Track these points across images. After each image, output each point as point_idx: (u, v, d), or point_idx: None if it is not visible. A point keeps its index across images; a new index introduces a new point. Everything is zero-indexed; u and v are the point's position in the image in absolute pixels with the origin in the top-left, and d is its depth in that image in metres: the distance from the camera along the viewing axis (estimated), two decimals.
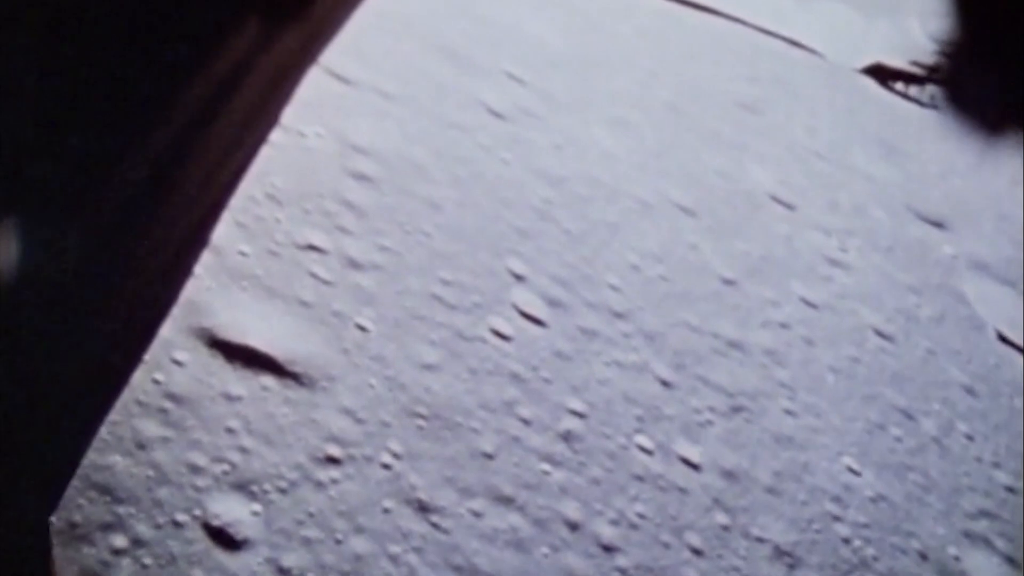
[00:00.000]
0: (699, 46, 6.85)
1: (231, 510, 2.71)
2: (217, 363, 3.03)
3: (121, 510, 2.42)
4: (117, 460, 2.51)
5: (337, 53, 4.46)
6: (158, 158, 1.84)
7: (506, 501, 3.23)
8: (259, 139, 2.08)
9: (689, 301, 4.55)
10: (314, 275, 3.53)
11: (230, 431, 2.87)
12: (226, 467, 2.79)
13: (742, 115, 6.29)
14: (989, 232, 7.12)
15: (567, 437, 3.56)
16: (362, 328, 3.47)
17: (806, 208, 5.83)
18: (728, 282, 4.83)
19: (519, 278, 4.07)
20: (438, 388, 3.42)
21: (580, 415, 3.68)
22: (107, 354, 2.02)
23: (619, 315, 4.21)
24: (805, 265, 5.36)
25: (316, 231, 3.69)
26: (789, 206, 5.75)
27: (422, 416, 3.30)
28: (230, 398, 2.97)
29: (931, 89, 9.31)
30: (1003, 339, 6.01)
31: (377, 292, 3.61)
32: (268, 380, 3.08)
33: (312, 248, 3.62)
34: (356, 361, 3.34)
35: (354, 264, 3.66)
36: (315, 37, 1.88)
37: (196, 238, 2.10)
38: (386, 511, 2.99)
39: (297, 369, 3.18)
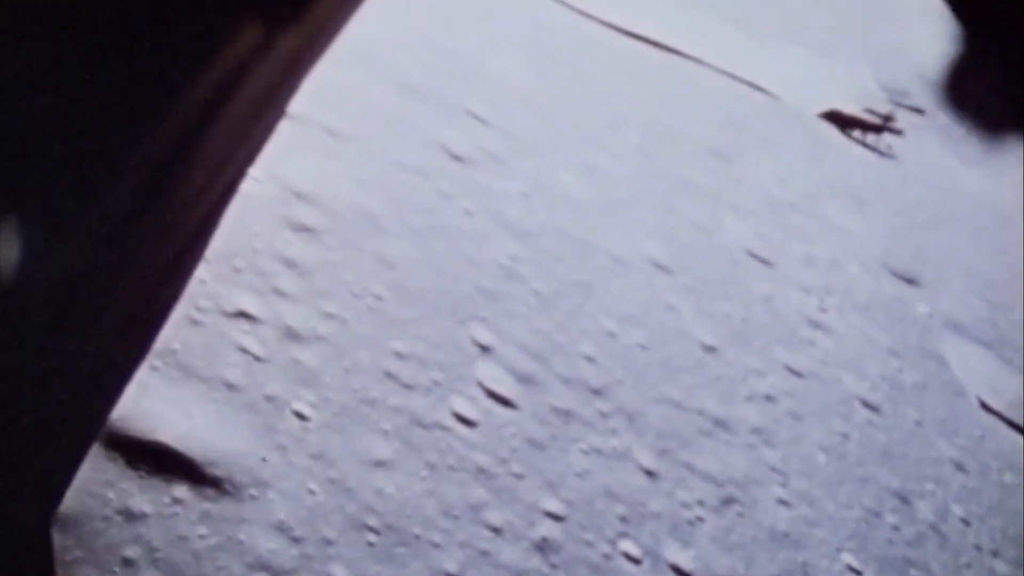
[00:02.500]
0: (665, 87, 6.24)
1: None
2: (115, 468, 2.31)
3: None
4: None
5: None
6: (158, 159, 1.78)
7: None
8: (261, 139, 2.05)
9: (670, 372, 3.89)
10: (243, 350, 2.81)
11: (128, 564, 2.15)
12: None
13: (713, 162, 5.68)
14: (959, 289, 6.57)
15: (543, 547, 2.87)
16: (301, 416, 2.76)
17: (783, 264, 5.22)
18: (709, 349, 4.18)
19: (484, 349, 3.38)
20: (391, 491, 2.72)
21: (557, 517, 3.00)
22: (107, 355, 1.95)
23: (596, 392, 3.54)
24: (787, 328, 4.73)
25: (247, 295, 2.98)
26: (766, 262, 5.13)
27: (372, 529, 2.60)
28: (131, 517, 2.24)
29: (887, 138, 8.82)
30: (985, 407, 5.44)
31: (319, 370, 2.90)
32: (181, 490, 2.37)
33: (242, 316, 2.90)
34: (293, 460, 2.63)
35: (292, 335, 2.95)
36: (316, 38, 2.04)
37: (197, 239, 2.05)
38: None
39: (218, 473, 2.47)
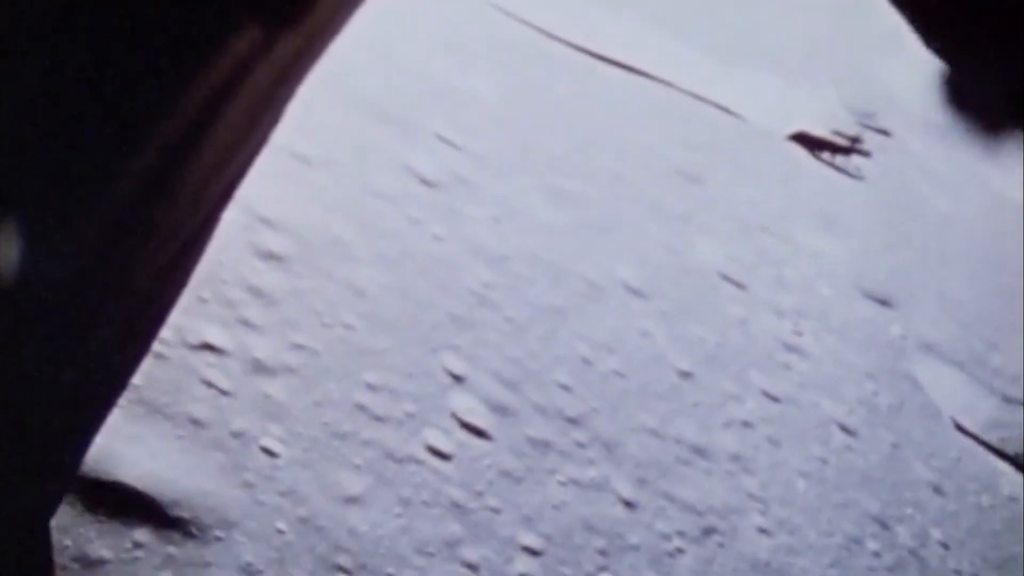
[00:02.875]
0: (635, 109, 6.17)
1: None
2: (72, 513, 2.18)
3: None
4: None
5: None
6: (158, 160, 1.74)
7: None
8: (260, 140, 1.96)
9: (647, 399, 3.80)
10: (209, 383, 2.69)
11: None
12: None
13: (684, 184, 5.61)
14: (932, 310, 6.53)
15: None
16: (269, 452, 2.64)
17: (757, 287, 5.15)
18: (685, 375, 4.09)
19: (458, 379, 3.27)
20: (364, 528, 2.61)
21: (535, 552, 2.89)
22: (107, 355, 1.93)
23: (572, 421, 3.44)
24: (762, 352, 4.65)
25: (213, 326, 2.86)
26: (740, 285, 5.05)
27: (344, 570, 2.48)
28: (89, 564, 2.12)
29: (856, 160, 8.81)
30: (960, 428, 5.39)
31: (288, 403, 2.79)
32: (143, 534, 2.24)
33: (208, 348, 2.78)
34: (261, 498, 2.51)
35: (260, 368, 2.83)
36: (316, 39, 1.89)
37: (197, 239, 1.99)
38: None
39: (183, 514, 2.34)
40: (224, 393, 2.67)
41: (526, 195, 4.47)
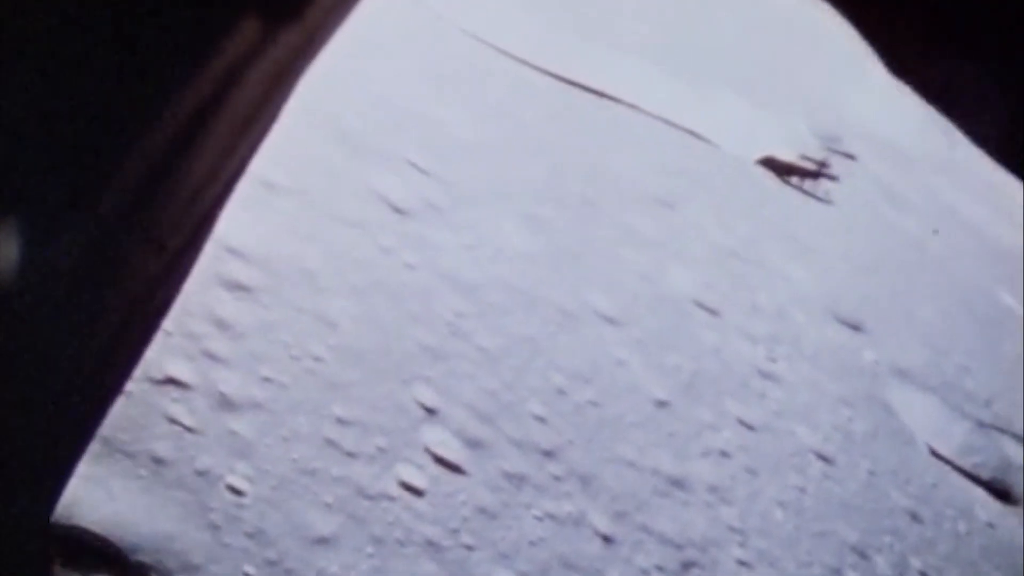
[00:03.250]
0: (606, 134, 6.11)
1: None
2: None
3: None
4: None
5: None
6: (157, 158, 1.73)
7: None
8: (259, 139, 1.96)
9: (623, 430, 3.71)
10: (173, 420, 2.58)
11: None
12: None
13: (656, 209, 5.54)
14: (902, 335, 6.49)
15: None
16: (235, 491, 2.53)
17: (730, 313, 5.08)
18: (661, 404, 4.01)
19: (430, 412, 3.17)
20: (335, 570, 2.50)
21: None
22: (107, 355, 1.91)
23: (548, 454, 3.34)
24: (737, 380, 4.58)
25: (178, 360, 2.75)
26: (713, 312, 4.98)
27: None
28: None
29: (824, 184, 8.79)
30: (935, 454, 5.33)
31: (255, 440, 2.68)
32: None
33: (172, 383, 2.67)
34: (227, 540, 2.39)
35: (226, 403, 2.72)
36: (315, 37, 1.88)
37: (197, 239, 1.98)
38: None
39: (144, 559, 2.23)
40: (189, 430, 2.56)
41: (498, 222, 4.38)
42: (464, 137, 4.90)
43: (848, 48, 12.52)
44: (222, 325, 2.92)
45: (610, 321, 4.27)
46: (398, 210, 4.02)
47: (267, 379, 2.83)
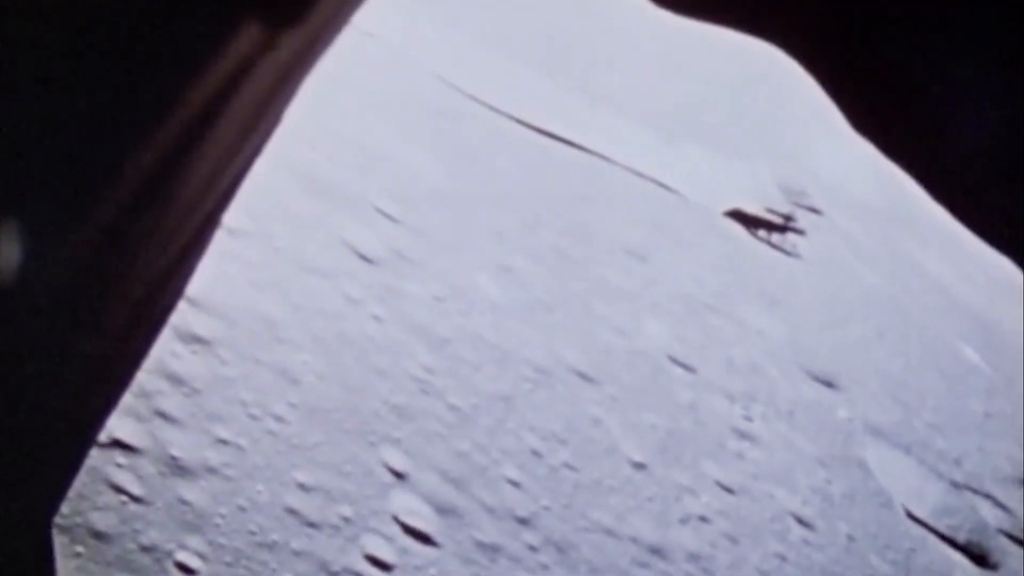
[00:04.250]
0: (577, 184, 5.91)
1: None
2: None
3: None
4: None
5: None
6: (158, 160, 1.69)
7: None
8: (260, 142, 1.90)
9: (600, 494, 3.46)
10: (117, 488, 2.31)
11: None
12: None
13: (629, 262, 5.34)
14: (874, 391, 6.31)
15: None
16: (186, 569, 2.26)
17: (705, 369, 4.86)
18: (639, 466, 3.77)
19: (399, 476, 2.91)
20: None
21: None
22: (107, 356, 1.89)
23: (523, 521, 3.09)
24: (714, 440, 4.35)
25: (125, 420, 2.48)
26: (689, 368, 4.77)
27: None
28: None
29: (791, 238, 8.66)
30: (911, 516, 5.13)
31: (209, 510, 2.41)
32: None
33: (118, 446, 2.40)
34: None
35: (178, 469, 2.45)
36: (316, 40, 1.81)
37: (197, 240, 1.95)
38: None
39: None
40: (135, 499, 2.29)
41: (469, 273, 4.15)
42: (434, 184, 4.67)
43: (810, 103, 12.48)
44: (176, 381, 2.66)
45: (585, 378, 4.03)
46: (365, 258, 3.78)
47: (223, 441, 2.57)
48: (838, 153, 11.58)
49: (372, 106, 5.01)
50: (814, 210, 9.79)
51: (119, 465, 2.34)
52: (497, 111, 6.11)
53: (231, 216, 3.40)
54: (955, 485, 5.72)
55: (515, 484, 3.20)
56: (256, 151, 1.92)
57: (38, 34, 1.56)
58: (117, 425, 2.45)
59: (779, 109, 11.80)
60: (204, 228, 1.93)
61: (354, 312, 3.44)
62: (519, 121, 6.24)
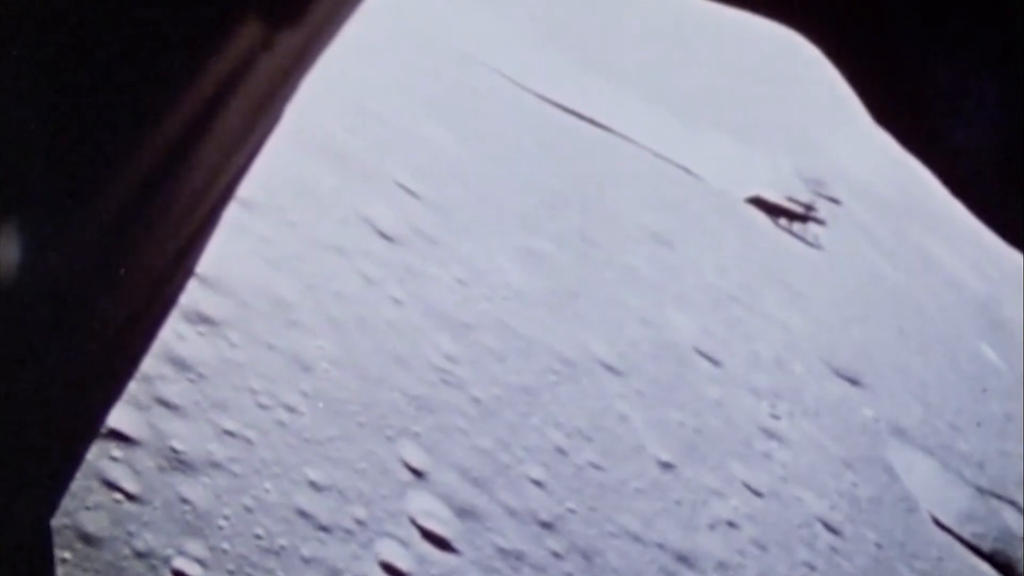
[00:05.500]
0: (602, 166, 5.64)
1: None
2: None
3: None
4: None
5: None
6: (158, 159, 1.60)
7: None
8: (261, 139, 1.82)
9: (627, 497, 3.21)
10: (111, 485, 2.06)
11: None
12: None
13: (654, 248, 5.07)
14: (897, 390, 6.05)
15: None
16: None
17: (731, 364, 4.61)
18: (666, 466, 3.52)
19: (418, 474, 2.67)
20: None
21: None
22: (107, 356, 1.80)
23: (547, 525, 2.84)
24: (741, 438, 4.10)
25: (123, 408, 2.23)
26: (715, 361, 4.51)
27: None
28: None
29: (812, 228, 8.39)
30: (937, 523, 4.89)
31: (211, 510, 2.16)
32: None
33: (114, 436, 2.15)
34: None
35: (179, 463, 2.20)
36: (316, 38, 1.72)
37: (197, 239, 1.86)
38: None
39: None
40: (130, 497, 2.04)
41: (493, 256, 3.89)
42: (456, 159, 4.40)
43: (831, 92, 12.19)
44: (180, 365, 2.41)
45: (611, 370, 3.78)
46: (385, 236, 3.52)
47: (229, 433, 2.32)
48: (856, 143, 11.29)
49: (394, 78, 4.74)
50: (833, 200, 9.52)
51: (114, 458, 2.09)
52: (521, 87, 5.83)
53: (245, 187, 3.13)
54: (980, 491, 5.47)
55: (539, 484, 2.95)
56: (256, 149, 1.87)
57: (39, 34, 1.53)
58: (114, 413, 2.19)
59: (798, 96, 11.50)
60: (205, 226, 1.88)
61: (373, 294, 3.18)
62: (543, 98, 5.97)
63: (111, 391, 1.91)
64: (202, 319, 2.61)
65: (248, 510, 2.20)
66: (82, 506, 1.96)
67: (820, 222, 8.71)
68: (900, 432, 5.50)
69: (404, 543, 2.42)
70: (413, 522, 2.50)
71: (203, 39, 1.60)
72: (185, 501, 2.12)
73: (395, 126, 4.24)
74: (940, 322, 8.31)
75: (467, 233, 3.87)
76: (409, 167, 3.99)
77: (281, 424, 2.48)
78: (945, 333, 8.12)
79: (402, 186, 3.81)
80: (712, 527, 3.40)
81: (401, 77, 4.80)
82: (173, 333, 2.50)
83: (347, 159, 3.82)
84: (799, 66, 11.88)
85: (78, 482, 1.99)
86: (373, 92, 4.44)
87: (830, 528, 4.00)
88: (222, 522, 2.14)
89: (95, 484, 2.00)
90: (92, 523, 1.95)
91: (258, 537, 2.16)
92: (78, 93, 1.56)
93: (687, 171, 6.95)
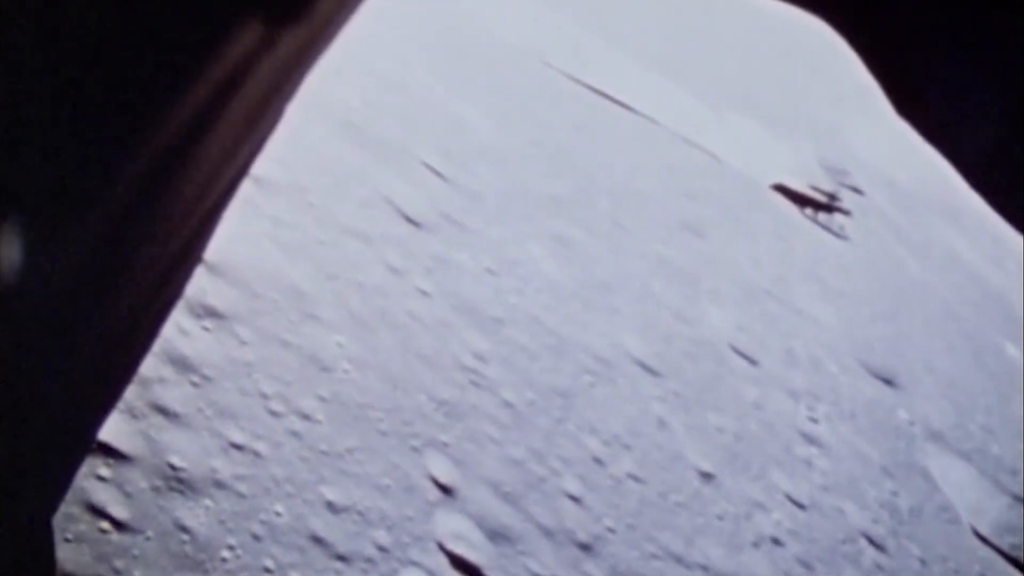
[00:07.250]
0: (632, 150, 5.29)
1: None
2: None
3: None
4: None
5: None
6: (159, 159, 1.56)
7: None
8: (260, 141, 1.74)
9: (668, 512, 2.88)
10: (97, 510, 1.73)
11: None
12: None
13: (687, 238, 4.73)
14: (930, 391, 5.71)
15: None
16: None
17: (768, 363, 4.27)
18: (707, 477, 3.19)
19: (446, 491, 2.34)
20: None
21: None
22: (107, 356, 1.76)
23: (585, 548, 2.51)
24: (782, 444, 3.77)
25: (115, 416, 1.90)
26: (751, 360, 4.17)
27: None
28: None
29: (838, 218, 8.04)
30: (978, 535, 4.57)
31: (213, 539, 1.83)
32: None
33: (103, 450, 1.82)
34: None
35: (176, 483, 1.87)
36: (317, 37, 1.66)
37: (197, 239, 1.79)
38: None
39: None
40: (118, 526, 1.71)
41: (524, 243, 3.55)
42: (485, 139, 4.06)
43: (854, 81, 11.78)
44: (183, 366, 2.08)
45: (647, 370, 3.44)
46: (411, 221, 3.18)
47: (236, 446, 1.99)
48: (878, 134, 10.92)
49: (420, 54, 4.38)
50: (856, 190, 9.17)
51: (101, 478, 1.76)
52: (549, 65, 5.47)
53: (261, 164, 2.78)
54: (1017, 499, 5.14)
55: (575, 499, 2.62)
56: (258, 149, 1.78)
57: (39, 34, 1.45)
58: (105, 424, 1.86)
59: (822, 85, 11.12)
60: (206, 226, 1.79)
61: (397, 285, 2.84)
62: (572, 78, 5.61)
63: (113, 388, 1.79)
64: (208, 312, 2.27)
65: (256, 538, 1.87)
66: (60, 538, 1.63)
67: (845, 212, 8.36)
68: (935, 436, 5.17)
69: (431, 573, 2.09)
70: (441, 547, 2.17)
71: (205, 38, 1.53)
72: (183, 529, 1.79)
73: (421, 102, 3.89)
74: (964, 318, 7.97)
75: (497, 218, 3.53)
76: (436, 146, 3.65)
77: (295, 434, 2.15)
78: (969, 330, 7.78)
79: (428, 166, 3.47)
80: (756, 545, 3.08)
81: (430, 52, 4.45)
82: (175, 328, 2.16)
83: (370, 136, 3.47)
84: (825, 55, 11.48)
85: (65, 507, 1.66)
86: (398, 67, 4.09)
87: (874, 543, 3.68)
88: (226, 553, 1.82)
89: (77, 510, 1.67)
90: (72, 559, 1.62)
91: (267, 571, 1.83)
92: (80, 92, 1.49)
93: (714, 157, 6.61)
